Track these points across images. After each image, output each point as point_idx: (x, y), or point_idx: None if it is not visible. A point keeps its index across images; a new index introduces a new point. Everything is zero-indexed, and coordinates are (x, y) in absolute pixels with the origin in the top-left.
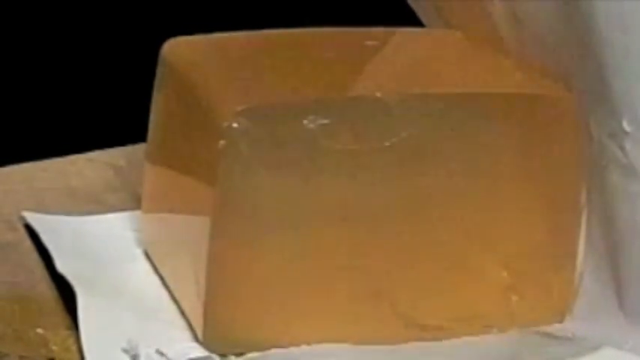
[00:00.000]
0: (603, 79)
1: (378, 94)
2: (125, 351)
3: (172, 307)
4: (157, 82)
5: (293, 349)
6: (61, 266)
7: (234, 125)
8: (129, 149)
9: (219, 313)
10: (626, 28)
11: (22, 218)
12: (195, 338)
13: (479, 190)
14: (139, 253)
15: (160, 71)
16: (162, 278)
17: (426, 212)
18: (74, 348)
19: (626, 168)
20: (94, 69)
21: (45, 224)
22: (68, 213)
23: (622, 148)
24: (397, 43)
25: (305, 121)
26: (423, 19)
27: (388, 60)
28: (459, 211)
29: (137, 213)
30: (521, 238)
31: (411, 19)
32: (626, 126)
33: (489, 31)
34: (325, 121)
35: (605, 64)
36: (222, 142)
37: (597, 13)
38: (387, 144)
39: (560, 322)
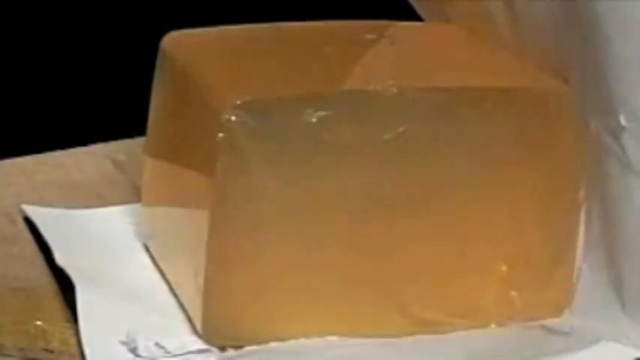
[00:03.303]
0: (600, 75)
1: (377, 88)
2: (124, 343)
3: (171, 300)
4: (156, 76)
5: (292, 342)
6: (60, 259)
7: (233, 118)
8: (128, 143)
9: (218, 306)
10: (624, 23)
11: (22, 211)
12: (194, 331)
13: (478, 184)
14: (138, 246)
15: (159, 64)
16: (161, 271)
17: (425, 206)
18: (73, 340)
19: (624, 163)
20: (93, 62)
21: (44, 217)
22: (68, 206)
23: (619, 144)
24: (396, 36)
25: (304, 115)
26: (422, 14)
27: (387, 53)
28: (458, 205)
29: (137, 206)
30: (520, 232)
31: (409, 14)
32: (623, 121)
33: (488, 26)
34: (324, 115)
35: (603, 59)
36: (220, 135)
37: (595, 9)
38: (386, 137)
39: (559, 316)
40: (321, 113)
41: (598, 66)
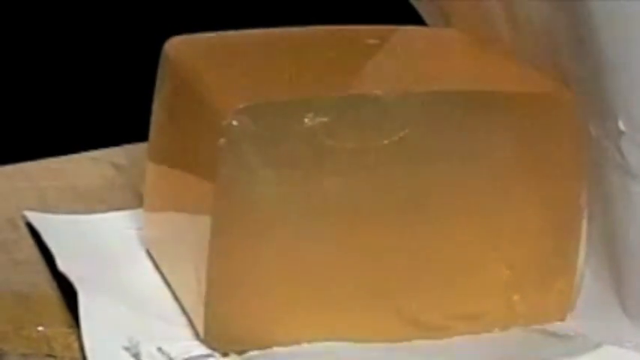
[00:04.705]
0: (599, 80)
1: (379, 92)
2: (126, 349)
3: (174, 305)
4: (158, 81)
5: (294, 347)
6: (62, 265)
7: (235, 123)
8: (131, 148)
9: (221, 311)
10: (623, 29)
11: (24, 217)
12: (197, 336)
13: (479, 189)
14: (140, 251)
15: (161, 70)
16: (163, 276)
17: (427, 210)
18: (75, 346)
19: (623, 168)
20: (96, 68)
21: (46, 223)
22: (70, 211)
23: (618, 148)
24: (397, 41)
25: (305, 119)
26: (425, 18)
27: (388, 58)
28: (460, 209)
29: (139, 211)
30: (522, 236)
31: (413, 18)
32: (621, 126)
33: (489, 30)
34: (325, 119)
35: (602, 64)
36: (222, 140)
37: (595, 15)
38: (387, 142)
39: (562, 320)
40: (323, 118)
41: (596, 70)
